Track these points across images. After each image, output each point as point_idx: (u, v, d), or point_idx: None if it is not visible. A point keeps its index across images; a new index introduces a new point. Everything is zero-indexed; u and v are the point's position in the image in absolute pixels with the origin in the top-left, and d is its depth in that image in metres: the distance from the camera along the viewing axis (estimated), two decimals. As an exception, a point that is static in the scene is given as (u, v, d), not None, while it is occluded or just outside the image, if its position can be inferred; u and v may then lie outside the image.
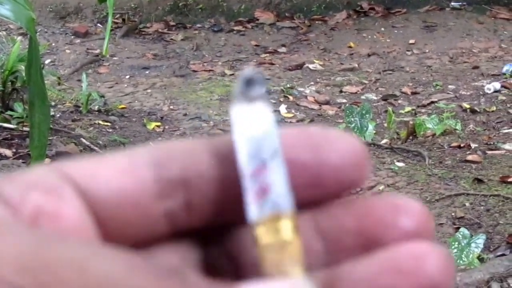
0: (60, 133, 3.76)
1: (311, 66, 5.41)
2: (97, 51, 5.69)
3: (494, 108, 4.38)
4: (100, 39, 5.90)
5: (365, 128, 3.71)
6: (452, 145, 3.75)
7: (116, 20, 6.18)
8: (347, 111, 3.82)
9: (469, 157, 3.57)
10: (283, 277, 0.25)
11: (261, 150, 0.26)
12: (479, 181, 3.30)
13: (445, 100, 4.60)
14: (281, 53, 5.75)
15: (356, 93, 4.86)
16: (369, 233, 0.27)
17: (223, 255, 0.27)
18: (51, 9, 6.42)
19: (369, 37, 6.05)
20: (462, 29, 6.10)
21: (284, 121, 4.25)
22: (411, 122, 3.93)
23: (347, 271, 0.26)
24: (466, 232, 2.66)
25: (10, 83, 3.93)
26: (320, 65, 5.45)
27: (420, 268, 0.25)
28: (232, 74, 5.17)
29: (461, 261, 2.57)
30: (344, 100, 4.70)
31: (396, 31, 6.14)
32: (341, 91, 4.89)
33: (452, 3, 6.53)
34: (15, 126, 3.73)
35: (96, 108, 4.32)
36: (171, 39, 6.08)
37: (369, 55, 5.63)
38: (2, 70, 3.90)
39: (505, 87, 4.76)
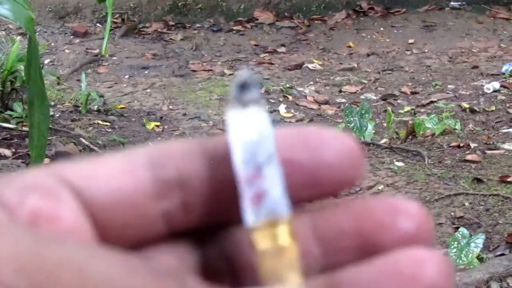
0: (60, 133, 3.76)
1: (310, 66, 5.41)
2: (97, 51, 5.69)
3: (493, 108, 4.38)
4: (99, 39, 5.90)
5: (364, 128, 3.71)
6: (452, 144, 3.75)
7: (115, 20, 6.18)
8: (347, 111, 3.82)
9: (469, 157, 3.57)
10: (281, 283, 0.25)
11: (256, 155, 0.25)
12: (479, 180, 3.30)
13: (445, 100, 4.60)
14: (281, 53, 5.75)
15: (355, 93, 4.87)
16: (368, 235, 0.27)
17: (221, 257, 0.27)
18: (50, 9, 6.42)
19: (369, 37, 6.05)
20: (461, 29, 6.10)
21: (284, 121, 4.25)
22: (410, 122, 3.93)
23: (347, 276, 0.26)
24: (466, 231, 2.66)
25: (9, 83, 3.93)
26: (320, 65, 5.45)
27: (420, 274, 0.25)
28: (232, 74, 5.17)
29: (460, 261, 2.57)
30: (344, 100, 4.70)
31: (395, 31, 6.14)
32: (340, 91, 4.89)
33: (452, 3, 6.53)
34: (15, 126, 3.73)
35: (95, 108, 4.32)
36: (171, 39, 6.08)
37: (368, 55, 5.64)
38: (2, 70, 3.90)
39: (505, 87, 4.76)
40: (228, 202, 0.27)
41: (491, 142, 3.80)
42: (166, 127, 4.24)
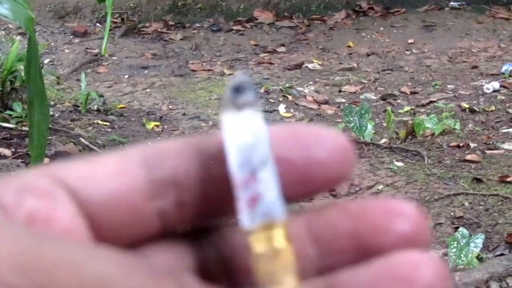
0: (59, 133, 3.76)
1: (310, 65, 5.41)
2: (96, 51, 5.69)
3: (493, 108, 4.38)
4: (99, 38, 5.90)
5: (364, 128, 3.71)
6: (451, 144, 3.75)
7: (115, 20, 6.18)
8: (346, 111, 3.82)
9: (468, 157, 3.57)
10: (277, 285, 0.25)
11: (251, 159, 0.26)
12: (478, 180, 3.30)
13: (444, 100, 4.60)
14: (280, 53, 5.75)
15: (355, 92, 4.87)
16: (363, 237, 0.27)
17: (217, 258, 0.27)
18: (50, 9, 6.42)
19: (368, 36, 6.05)
20: (461, 29, 6.10)
21: (283, 121, 4.25)
22: (410, 122, 3.93)
23: (343, 279, 0.26)
24: (465, 231, 2.66)
25: (9, 82, 3.93)
26: (319, 64, 5.45)
27: (417, 276, 0.25)
28: (231, 74, 5.17)
29: (460, 261, 2.57)
30: (343, 100, 4.70)
31: (395, 31, 6.14)
32: (340, 91, 4.89)
33: (451, 3, 6.53)
34: (14, 125, 3.73)
35: (95, 107, 4.32)
36: (170, 38, 6.07)
37: (368, 55, 5.63)
38: (1, 70, 3.90)
39: (504, 87, 4.76)
40: (221, 199, 0.27)
41: (491, 142, 3.80)
42: (165, 127, 4.24)
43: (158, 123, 4.26)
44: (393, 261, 0.26)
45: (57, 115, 4.10)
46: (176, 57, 5.69)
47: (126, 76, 5.24)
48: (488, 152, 3.67)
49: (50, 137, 3.45)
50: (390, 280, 0.25)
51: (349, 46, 5.83)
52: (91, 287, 0.22)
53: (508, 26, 6.12)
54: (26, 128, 3.37)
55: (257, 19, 6.37)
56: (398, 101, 4.68)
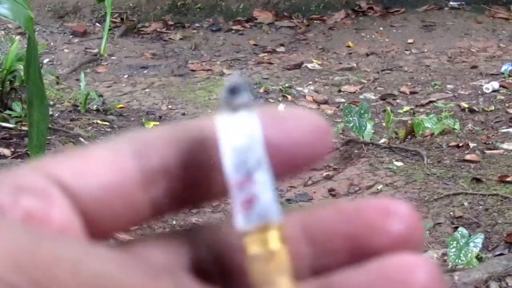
0: (59, 133, 3.76)
1: (309, 65, 5.41)
2: (96, 51, 5.69)
3: (492, 108, 4.38)
4: (98, 38, 5.90)
5: (363, 128, 3.71)
6: (451, 144, 3.75)
7: (114, 20, 6.18)
8: (346, 111, 3.82)
9: (468, 157, 3.57)
10: (271, 287, 0.25)
11: (247, 160, 0.26)
12: (478, 180, 3.30)
13: (444, 100, 4.60)
14: (280, 53, 5.75)
15: (354, 92, 4.87)
16: (358, 237, 0.27)
17: (211, 258, 0.27)
18: (49, 9, 6.42)
19: (368, 36, 6.05)
20: (460, 29, 6.10)
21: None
22: (409, 122, 3.93)
23: (337, 281, 0.26)
24: (465, 231, 2.66)
25: (8, 82, 3.93)
26: (319, 64, 5.45)
27: (411, 280, 0.25)
28: (231, 74, 5.17)
29: (459, 261, 2.58)
30: (343, 100, 4.70)
31: (394, 31, 6.14)
32: (339, 91, 4.89)
33: (451, 3, 6.53)
34: (14, 125, 3.73)
35: (94, 107, 4.32)
36: (170, 38, 6.08)
37: (367, 55, 5.64)
38: (1, 70, 3.90)
39: (504, 87, 4.76)
40: (208, 184, 0.27)
41: (490, 142, 3.80)
42: (165, 126, 4.24)
43: (157, 123, 4.26)
44: (387, 264, 0.26)
45: (56, 114, 4.10)
46: (176, 57, 5.69)
47: (126, 76, 5.24)
48: (488, 152, 3.67)
49: (49, 137, 3.45)
50: (384, 283, 0.25)
51: (348, 46, 5.83)
52: (90, 285, 0.22)
53: (508, 26, 6.12)
54: (25, 128, 3.37)
55: (256, 19, 6.37)
56: (398, 101, 4.68)
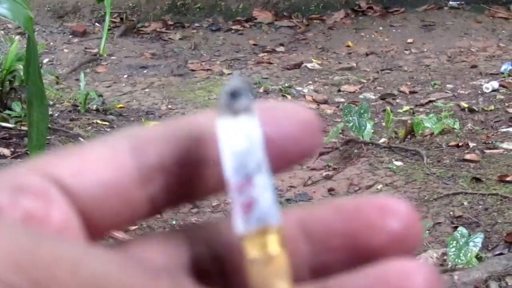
0: (58, 133, 3.76)
1: (309, 65, 5.41)
2: (95, 51, 5.69)
3: (492, 107, 4.38)
4: (98, 38, 5.90)
5: (363, 127, 3.71)
6: (450, 144, 3.75)
7: (114, 20, 6.18)
8: (345, 110, 3.82)
9: (467, 156, 3.57)
10: None
11: (247, 164, 0.26)
12: (477, 180, 3.30)
13: (443, 99, 4.60)
14: (279, 52, 5.75)
15: (354, 92, 4.87)
16: (356, 235, 0.27)
17: (210, 258, 0.27)
18: (49, 8, 6.42)
19: (367, 36, 6.05)
20: (460, 28, 6.10)
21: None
22: (409, 121, 3.93)
23: (336, 285, 0.26)
24: (464, 231, 2.66)
25: (8, 82, 3.92)
26: (318, 64, 5.45)
27: (408, 285, 0.25)
28: (230, 73, 5.17)
29: (459, 260, 2.58)
30: (342, 99, 4.70)
31: (394, 30, 6.14)
32: (339, 90, 4.89)
33: (450, 2, 6.53)
34: (13, 125, 3.73)
35: (94, 107, 4.32)
36: (169, 38, 6.07)
37: (367, 54, 5.64)
38: (0, 69, 3.90)
39: (503, 86, 4.76)
40: (204, 180, 0.27)
41: (490, 142, 3.80)
42: (165, 126, 4.24)
43: (157, 123, 4.26)
44: (386, 269, 0.26)
45: (56, 114, 4.10)
46: (175, 56, 5.69)
47: (125, 76, 5.24)
48: (487, 151, 3.67)
49: (49, 137, 3.45)
50: (382, 286, 0.25)
51: (348, 46, 5.83)
52: (90, 285, 0.23)
53: (507, 26, 6.12)
54: (25, 128, 3.37)
55: (256, 19, 6.37)
56: (397, 100, 4.68)
